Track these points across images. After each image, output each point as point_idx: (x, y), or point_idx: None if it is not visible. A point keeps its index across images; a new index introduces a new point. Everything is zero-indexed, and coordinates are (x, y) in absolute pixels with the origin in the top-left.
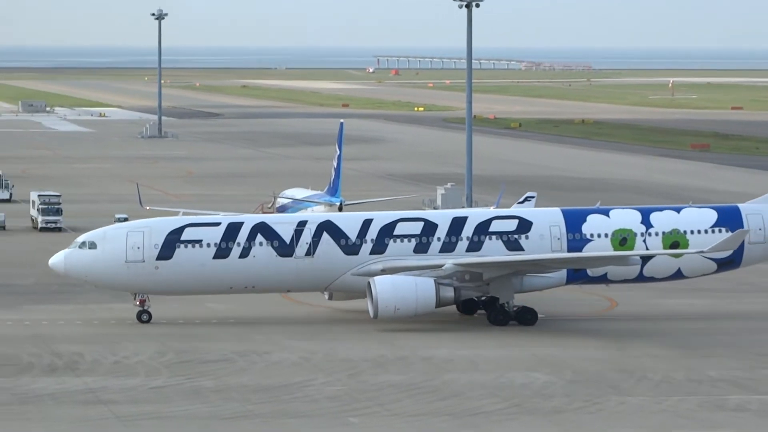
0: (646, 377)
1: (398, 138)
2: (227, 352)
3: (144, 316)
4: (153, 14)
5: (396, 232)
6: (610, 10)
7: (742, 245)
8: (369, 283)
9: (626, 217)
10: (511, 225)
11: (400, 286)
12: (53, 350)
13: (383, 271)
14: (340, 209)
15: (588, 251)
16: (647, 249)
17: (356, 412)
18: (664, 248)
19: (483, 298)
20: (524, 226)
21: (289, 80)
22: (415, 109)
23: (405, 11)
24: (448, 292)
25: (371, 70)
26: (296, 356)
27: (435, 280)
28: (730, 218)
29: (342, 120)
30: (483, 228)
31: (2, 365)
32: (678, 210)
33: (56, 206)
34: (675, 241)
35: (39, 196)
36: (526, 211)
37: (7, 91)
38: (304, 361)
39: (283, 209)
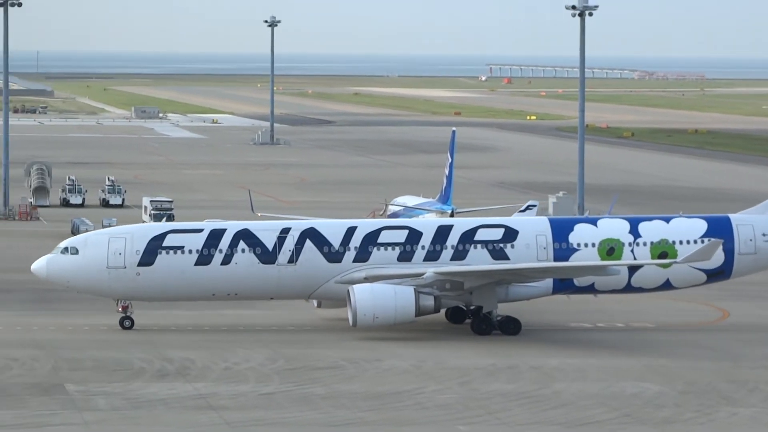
0: (759, 388)
1: (510, 146)
2: (337, 359)
3: (126, 323)
4: (266, 21)
5: (380, 240)
6: (725, 20)
7: (732, 256)
8: (348, 290)
9: (614, 227)
10: (497, 234)
11: (379, 294)
12: (164, 356)
13: (366, 279)
14: (452, 217)
15: (574, 261)
16: (635, 259)
17: (466, 421)
18: (652, 258)
19: (472, 307)
20: (510, 235)
21: (401, 88)
22: (528, 117)
23: (518, 20)
24: (428, 301)
25: (484, 79)
26: (407, 364)
27: (415, 289)
28: (720, 228)
29: (454, 128)
30: (468, 237)
31: (114, 370)
32: (667, 220)
33: (168, 212)
34: (663, 251)
35: (151, 201)
36: (513, 219)
37: (120, 97)
38: (414, 369)
39: (394, 217)
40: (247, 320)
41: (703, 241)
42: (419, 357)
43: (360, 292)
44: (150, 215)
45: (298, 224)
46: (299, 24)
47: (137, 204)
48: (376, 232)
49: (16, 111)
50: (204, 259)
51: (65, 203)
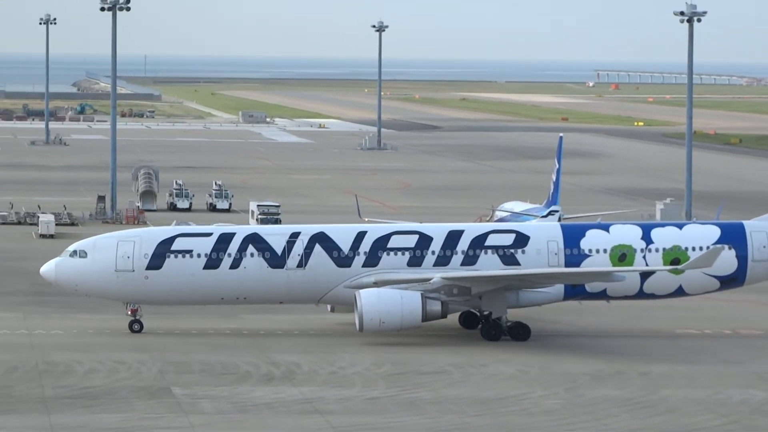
0: None
1: (617, 152)
2: (444, 364)
3: (135, 326)
4: (374, 26)
5: (390, 244)
6: None
7: (745, 263)
8: (355, 295)
9: (626, 233)
10: (508, 239)
11: (386, 299)
12: (270, 360)
13: (375, 284)
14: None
15: (586, 267)
16: (647, 265)
17: (572, 427)
18: (665, 264)
19: (485, 313)
20: (521, 240)
21: (508, 93)
22: (635, 123)
23: (626, 26)
24: (435, 306)
25: (591, 85)
26: (513, 369)
27: (422, 294)
28: (733, 235)
29: (561, 134)
30: (479, 242)
31: (221, 374)
32: (680, 226)
33: (275, 216)
34: (676, 257)
35: (258, 206)
36: (525, 225)
37: (228, 102)
38: (520, 374)
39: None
40: (353, 324)
41: None
42: (525, 362)
43: (366, 297)
44: (257, 220)
45: (308, 229)
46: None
47: (244, 209)
48: (386, 237)
49: (123, 115)
50: (213, 262)
51: (172, 207)
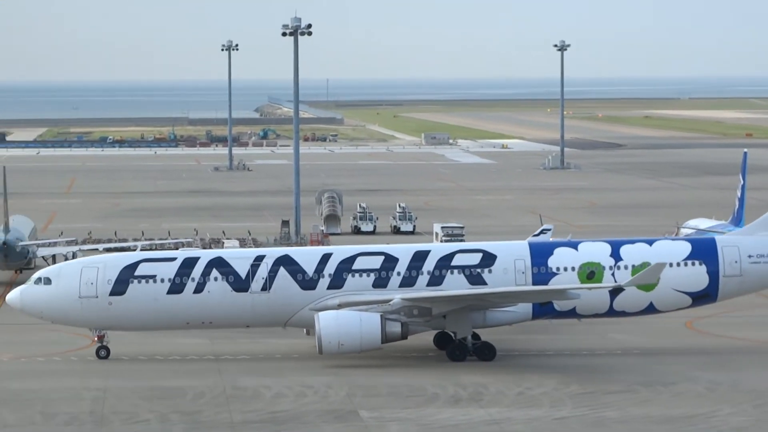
0: None
1: None
2: (631, 382)
3: (102, 352)
4: (555, 45)
5: (355, 266)
6: None
7: (716, 278)
8: (314, 317)
9: (595, 250)
10: (474, 259)
11: (344, 321)
12: (457, 381)
13: (339, 306)
14: None
15: (554, 285)
16: (615, 282)
17: None
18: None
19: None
20: (488, 259)
21: (692, 110)
22: None
23: None
24: (395, 327)
25: None
26: (701, 387)
27: (381, 315)
28: (704, 251)
29: (745, 149)
30: (445, 262)
31: (408, 396)
32: (650, 242)
33: (460, 238)
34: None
35: (442, 227)
36: (492, 244)
37: (410, 124)
38: (708, 392)
39: None
40: (539, 345)
41: (686, 264)
42: (714, 380)
43: (324, 320)
44: (441, 241)
45: (272, 252)
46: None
47: (428, 230)
48: (351, 259)
49: (306, 139)
50: (176, 287)
51: (356, 231)
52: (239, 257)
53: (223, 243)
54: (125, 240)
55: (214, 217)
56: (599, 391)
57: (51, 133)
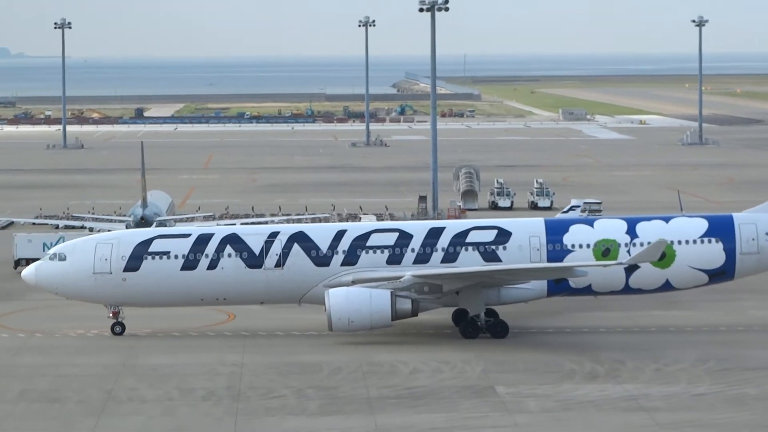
0: None
1: None
2: None
3: (117, 328)
4: (693, 21)
5: (369, 243)
6: None
7: (733, 256)
8: (325, 294)
9: (610, 227)
10: (489, 236)
11: (354, 298)
12: (594, 357)
13: (353, 283)
14: None
15: (569, 262)
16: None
17: None
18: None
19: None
20: (503, 236)
21: None
22: None
23: None
24: (405, 305)
25: None
26: None
27: (392, 292)
28: (721, 228)
29: None
30: (459, 239)
31: (545, 372)
32: (667, 219)
33: (597, 213)
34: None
35: (584, 203)
36: (508, 221)
37: (547, 100)
38: None
39: None
40: (677, 321)
41: (702, 241)
42: None
43: (335, 296)
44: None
45: (287, 228)
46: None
47: (565, 206)
48: (366, 236)
49: (443, 115)
50: (190, 264)
51: (494, 206)
52: (253, 234)
53: (360, 218)
54: (262, 215)
55: (352, 192)
56: (737, 368)
57: (188, 108)
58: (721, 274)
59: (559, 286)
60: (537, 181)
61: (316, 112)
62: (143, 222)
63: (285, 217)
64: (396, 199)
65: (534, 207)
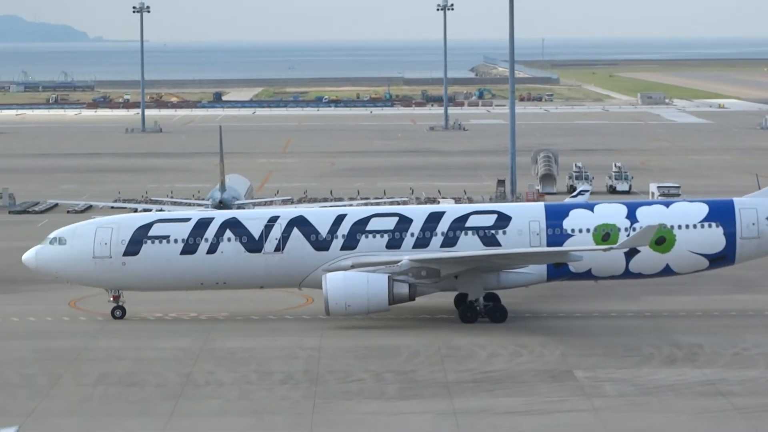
0: None
1: None
2: None
3: (117, 312)
4: None
5: (368, 227)
6: None
7: (734, 240)
8: (322, 278)
9: (611, 212)
10: (489, 220)
11: (352, 282)
12: (673, 341)
13: (353, 267)
14: None
15: (569, 246)
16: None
17: None
18: (651, 244)
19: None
20: (502, 221)
21: None
22: None
23: None
24: (403, 289)
25: None
26: None
27: (389, 277)
28: (721, 213)
29: None
30: (459, 223)
31: (624, 356)
32: (667, 204)
33: (676, 197)
34: (661, 236)
35: (659, 187)
36: (507, 205)
37: (626, 84)
38: None
39: None
40: (756, 305)
41: (703, 226)
42: None
43: (332, 281)
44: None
45: (287, 212)
46: None
47: (644, 190)
48: (365, 220)
49: (522, 99)
50: (190, 248)
51: (572, 190)
52: (253, 218)
53: (439, 202)
54: (341, 199)
55: (430, 176)
56: None
57: (267, 92)
58: (722, 258)
59: (558, 270)
60: (615, 165)
61: (394, 96)
62: (222, 205)
63: (363, 201)
64: (474, 183)
65: (612, 191)
